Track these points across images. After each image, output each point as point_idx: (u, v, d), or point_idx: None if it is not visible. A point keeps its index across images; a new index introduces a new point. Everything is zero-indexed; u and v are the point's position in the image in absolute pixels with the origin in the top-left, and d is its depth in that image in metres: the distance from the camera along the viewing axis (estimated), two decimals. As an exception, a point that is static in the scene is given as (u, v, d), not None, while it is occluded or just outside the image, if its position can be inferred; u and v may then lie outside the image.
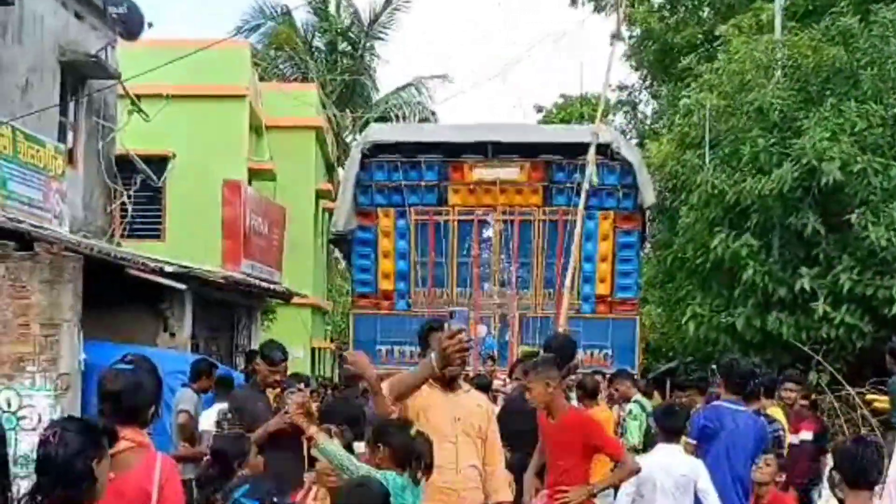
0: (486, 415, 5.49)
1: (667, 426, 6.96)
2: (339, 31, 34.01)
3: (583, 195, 14.76)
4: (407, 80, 35.07)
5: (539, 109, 32.47)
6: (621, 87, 29.32)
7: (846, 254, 14.46)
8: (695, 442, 7.07)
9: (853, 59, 15.17)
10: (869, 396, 12.36)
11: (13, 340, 10.06)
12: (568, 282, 14.69)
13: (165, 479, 3.94)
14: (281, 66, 32.63)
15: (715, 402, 7.56)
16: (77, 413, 10.20)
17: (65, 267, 10.28)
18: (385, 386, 4.98)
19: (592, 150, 15.00)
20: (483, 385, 9.09)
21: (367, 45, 34.52)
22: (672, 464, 6.73)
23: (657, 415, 7.41)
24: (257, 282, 17.23)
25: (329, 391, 15.56)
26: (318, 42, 34.55)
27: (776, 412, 8.58)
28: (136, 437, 3.96)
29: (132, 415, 3.97)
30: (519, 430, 6.57)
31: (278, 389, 7.26)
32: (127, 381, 4.06)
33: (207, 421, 8.84)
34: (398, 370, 12.73)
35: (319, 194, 25.17)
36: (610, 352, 15.70)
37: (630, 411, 10.44)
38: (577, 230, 14.92)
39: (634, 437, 10.20)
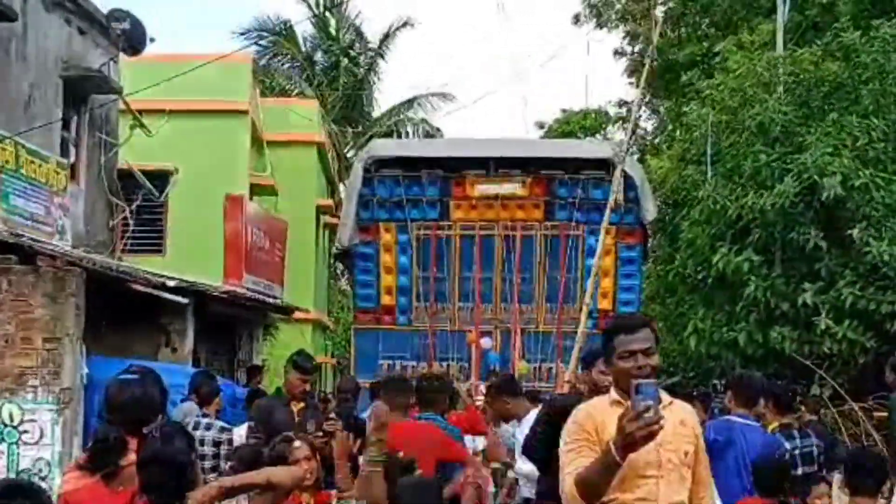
0: (693, 435, 4.21)
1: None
2: (340, 49, 34.09)
3: (607, 212, 14.54)
4: (409, 95, 35.21)
5: (541, 126, 32.60)
6: (621, 104, 29.44)
7: (848, 269, 14.41)
8: None
9: (854, 75, 15.19)
10: (877, 415, 12.30)
11: (15, 354, 10.05)
12: (588, 297, 14.51)
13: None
14: (282, 82, 32.69)
15: (725, 416, 7.51)
16: (79, 428, 10.19)
17: (67, 281, 10.27)
18: (569, 486, 3.95)
19: (620, 168, 14.79)
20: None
21: (370, 62, 34.65)
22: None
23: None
24: (259, 296, 17.21)
25: (329, 405, 15.50)
26: (320, 58, 34.66)
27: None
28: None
29: (139, 424, 3.97)
30: None
31: (302, 404, 7.38)
32: (133, 391, 4.07)
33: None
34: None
35: (320, 210, 25.19)
36: (612, 367, 15.62)
37: None
38: (599, 247, 14.68)
39: None
